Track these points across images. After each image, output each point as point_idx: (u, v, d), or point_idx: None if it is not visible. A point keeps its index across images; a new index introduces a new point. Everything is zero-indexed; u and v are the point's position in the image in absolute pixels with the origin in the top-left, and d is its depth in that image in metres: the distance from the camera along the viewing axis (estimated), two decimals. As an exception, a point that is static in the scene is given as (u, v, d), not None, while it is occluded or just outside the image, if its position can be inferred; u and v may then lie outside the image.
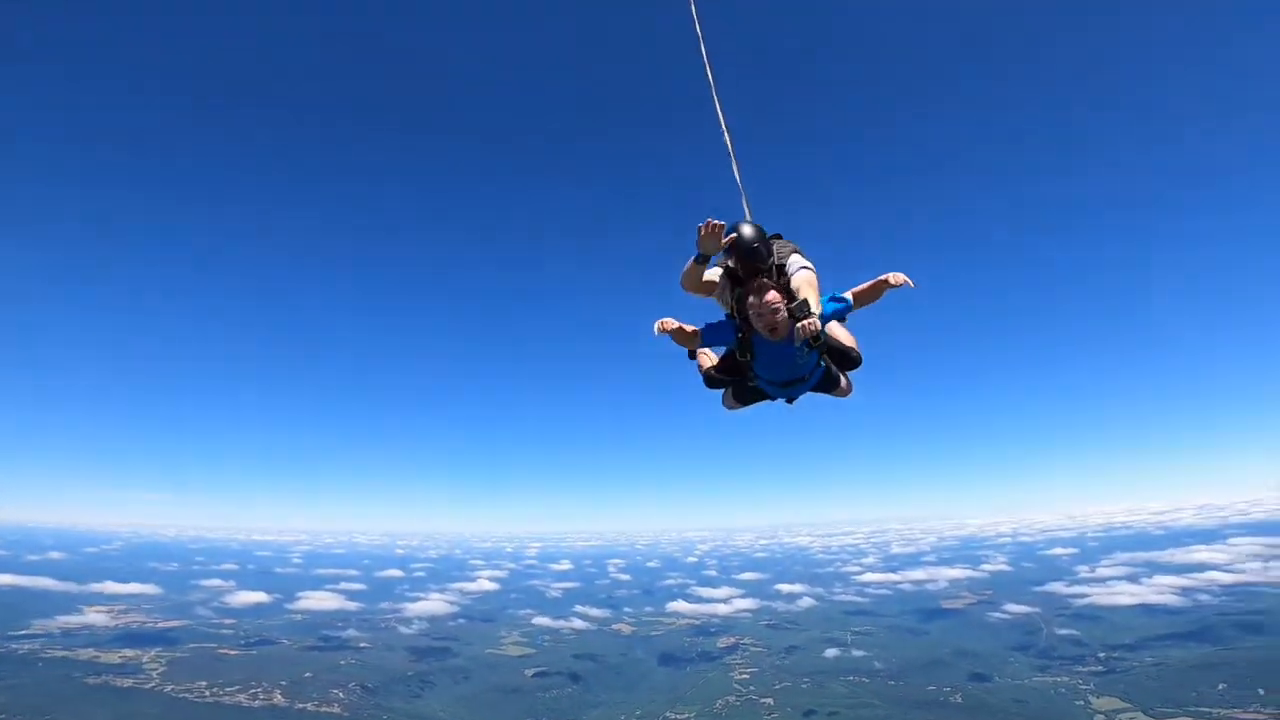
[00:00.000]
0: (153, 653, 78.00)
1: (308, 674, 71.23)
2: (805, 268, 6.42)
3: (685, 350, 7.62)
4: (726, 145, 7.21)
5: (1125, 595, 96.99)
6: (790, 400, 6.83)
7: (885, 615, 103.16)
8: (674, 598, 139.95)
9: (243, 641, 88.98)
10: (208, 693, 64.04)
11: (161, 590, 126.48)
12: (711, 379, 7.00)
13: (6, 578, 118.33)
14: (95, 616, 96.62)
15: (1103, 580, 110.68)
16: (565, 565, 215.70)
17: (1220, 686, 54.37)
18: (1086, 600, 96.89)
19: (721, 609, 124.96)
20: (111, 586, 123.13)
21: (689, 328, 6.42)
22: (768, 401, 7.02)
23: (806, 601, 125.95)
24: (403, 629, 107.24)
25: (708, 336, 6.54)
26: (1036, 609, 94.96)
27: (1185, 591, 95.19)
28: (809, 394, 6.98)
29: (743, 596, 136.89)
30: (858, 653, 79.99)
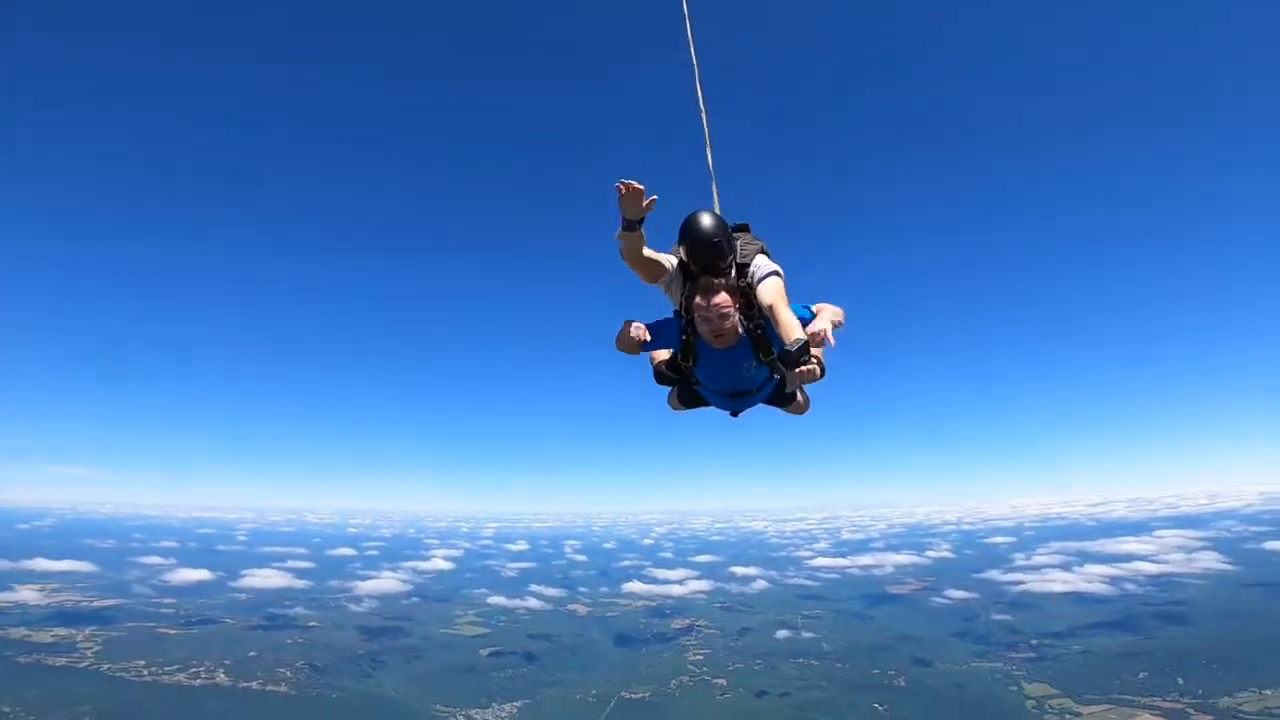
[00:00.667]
0: (87, 631, 75.29)
1: (252, 653, 69.63)
2: (774, 273, 5.60)
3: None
4: (703, 124, 6.47)
5: (1058, 583, 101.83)
6: (734, 414, 6.21)
7: (834, 599, 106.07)
8: (630, 579, 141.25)
9: (183, 620, 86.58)
10: (146, 672, 61.98)
11: (97, 568, 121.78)
12: (660, 375, 6.18)
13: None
14: (27, 594, 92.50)
15: (1037, 568, 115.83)
16: (521, 546, 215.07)
17: (1142, 675, 57.44)
18: (1022, 588, 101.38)
19: (676, 590, 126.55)
20: (44, 564, 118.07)
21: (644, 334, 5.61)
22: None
23: (760, 584, 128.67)
24: (353, 607, 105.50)
25: (654, 336, 5.74)
26: (976, 595, 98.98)
27: (1113, 580, 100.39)
28: (761, 407, 6.30)
29: (698, 578, 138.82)
30: (808, 635, 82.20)
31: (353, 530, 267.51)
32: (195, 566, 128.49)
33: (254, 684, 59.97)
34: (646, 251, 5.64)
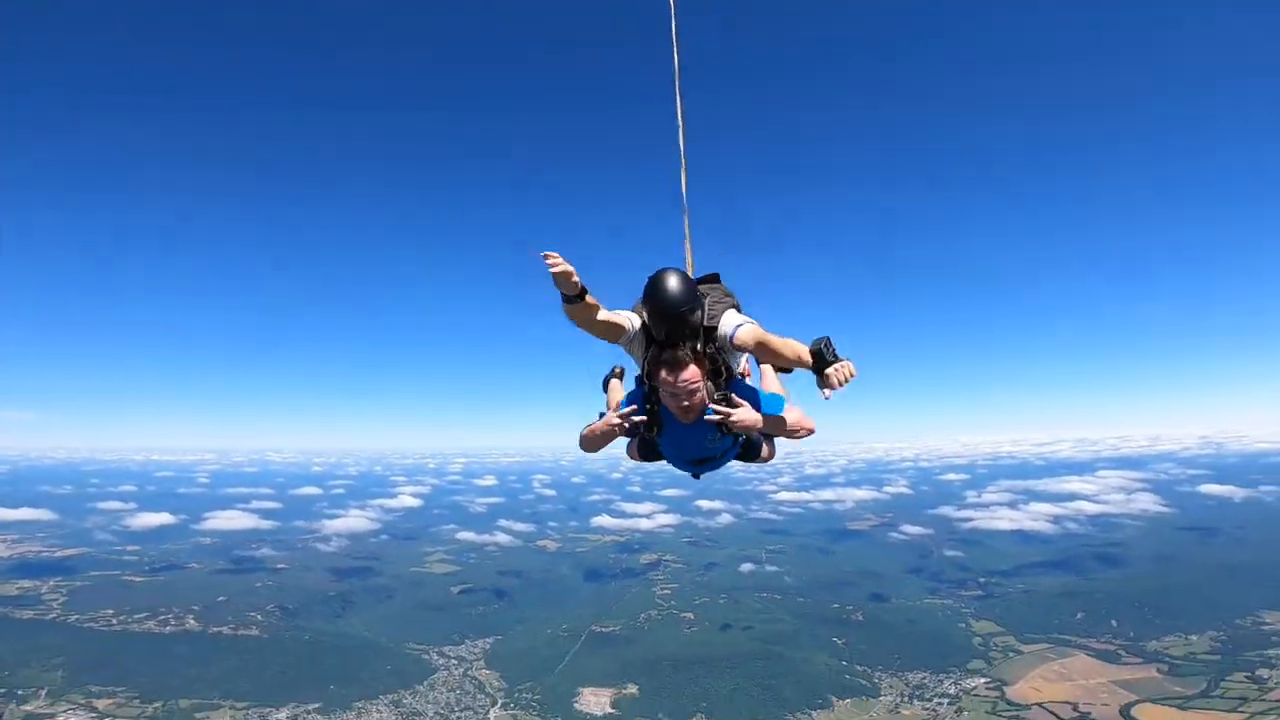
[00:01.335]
0: (51, 582, 74.24)
1: (221, 598, 69.46)
2: (740, 325, 5.05)
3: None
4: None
5: (1005, 520, 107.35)
6: (696, 476, 5.90)
7: (797, 534, 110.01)
8: (599, 513, 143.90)
9: (148, 567, 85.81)
10: (115, 621, 61.44)
11: (56, 515, 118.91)
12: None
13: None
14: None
15: (987, 505, 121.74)
16: (490, 481, 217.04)
17: (1079, 616, 61.01)
18: (972, 524, 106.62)
19: (645, 524, 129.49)
20: (1, 513, 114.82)
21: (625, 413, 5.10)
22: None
23: (725, 518, 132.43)
24: (322, 547, 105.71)
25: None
26: (930, 531, 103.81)
27: (1056, 519, 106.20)
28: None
29: (665, 512, 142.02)
30: (771, 569, 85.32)
31: (317, 469, 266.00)
32: (156, 510, 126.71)
33: (225, 629, 59.95)
34: (602, 315, 4.94)
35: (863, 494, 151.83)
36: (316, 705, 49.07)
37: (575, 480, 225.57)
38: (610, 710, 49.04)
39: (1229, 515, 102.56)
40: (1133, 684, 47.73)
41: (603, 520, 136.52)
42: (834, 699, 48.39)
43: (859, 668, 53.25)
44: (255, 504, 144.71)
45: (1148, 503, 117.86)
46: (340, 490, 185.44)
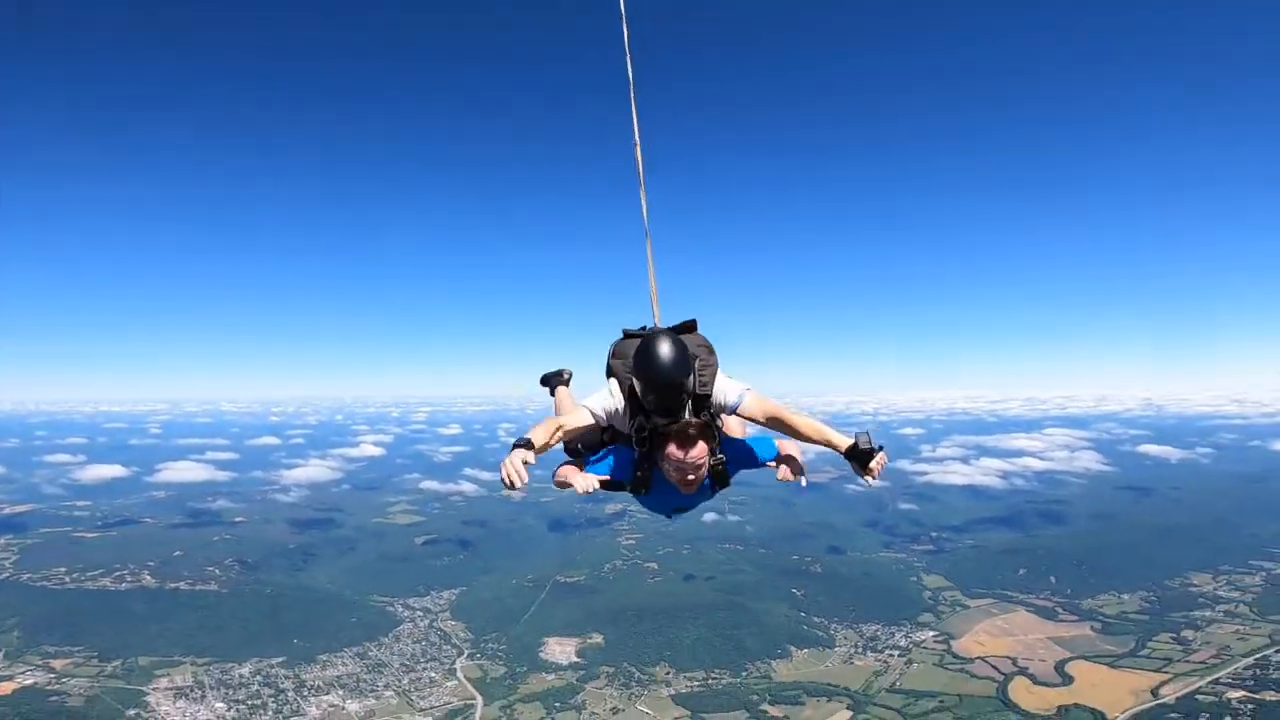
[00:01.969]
0: (2, 541, 72.41)
1: (178, 552, 68.34)
2: (745, 393, 4.69)
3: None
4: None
5: (957, 475, 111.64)
6: (669, 517, 5.71)
7: (760, 485, 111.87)
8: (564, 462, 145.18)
9: (100, 522, 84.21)
10: (68, 579, 60.10)
11: (2, 469, 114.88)
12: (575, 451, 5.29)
13: None
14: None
15: (941, 460, 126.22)
16: (454, 430, 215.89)
17: (1021, 572, 64.12)
18: (926, 479, 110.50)
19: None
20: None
21: (593, 480, 4.64)
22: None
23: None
24: (281, 498, 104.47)
25: (597, 470, 4.83)
26: (886, 483, 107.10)
27: (1005, 475, 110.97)
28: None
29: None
30: (733, 518, 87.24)
31: (275, 419, 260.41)
32: (107, 462, 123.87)
33: (183, 584, 58.99)
34: (567, 429, 4.64)
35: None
36: (280, 659, 49.10)
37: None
38: (575, 659, 50.19)
39: (1165, 475, 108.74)
40: (1068, 641, 50.56)
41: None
42: (793, 649, 50.32)
43: (816, 619, 55.33)
44: (210, 455, 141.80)
45: (1090, 461, 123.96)
46: (299, 440, 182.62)
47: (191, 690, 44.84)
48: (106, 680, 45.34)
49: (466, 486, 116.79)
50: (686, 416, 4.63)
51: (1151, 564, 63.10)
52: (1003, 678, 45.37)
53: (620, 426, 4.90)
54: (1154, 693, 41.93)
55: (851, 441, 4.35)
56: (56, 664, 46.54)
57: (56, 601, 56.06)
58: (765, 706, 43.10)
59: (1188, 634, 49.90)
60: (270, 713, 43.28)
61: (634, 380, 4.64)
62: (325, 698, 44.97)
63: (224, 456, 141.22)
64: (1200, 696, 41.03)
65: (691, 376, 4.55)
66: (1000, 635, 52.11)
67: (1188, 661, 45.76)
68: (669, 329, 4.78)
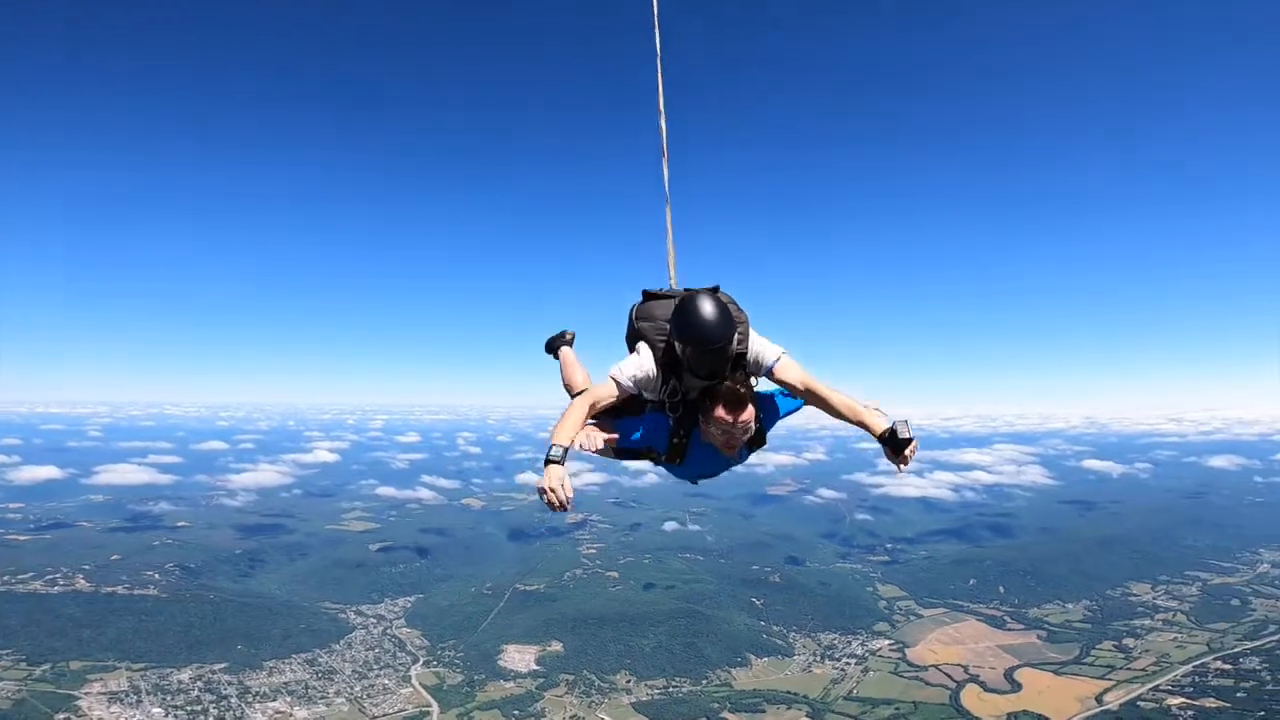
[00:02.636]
0: None
1: (115, 556, 65.16)
2: (782, 356, 4.63)
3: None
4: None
5: (911, 488, 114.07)
6: (694, 482, 5.53)
7: (719, 497, 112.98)
8: (524, 470, 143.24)
9: (34, 525, 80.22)
10: (-3, 583, 56.80)
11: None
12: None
13: None
14: None
15: (895, 473, 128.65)
16: (413, 437, 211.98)
17: (971, 582, 65.87)
18: (882, 490, 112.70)
19: (571, 482, 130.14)
20: None
21: (599, 437, 4.53)
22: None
23: (651, 478, 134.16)
24: (228, 502, 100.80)
25: (625, 436, 4.70)
26: (843, 496, 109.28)
27: (956, 488, 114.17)
28: None
29: (591, 470, 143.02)
30: (694, 528, 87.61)
31: (223, 423, 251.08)
32: (42, 464, 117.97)
33: (120, 589, 56.01)
34: (601, 406, 4.50)
35: (782, 459, 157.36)
36: (223, 665, 47.19)
37: (501, 439, 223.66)
38: (535, 667, 49.49)
39: (1106, 490, 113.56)
40: (1016, 649, 52.08)
41: (528, 478, 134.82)
42: (753, 657, 50.61)
43: (775, 628, 55.83)
44: (152, 458, 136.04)
45: (1036, 475, 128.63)
46: (249, 445, 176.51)
47: (126, 695, 42.71)
48: (35, 684, 42.92)
49: (424, 494, 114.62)
50: (727, 374, 4.44)
51: (1094, 575, 65.42)
52: (955, 685, 46.39)
53: (652, 394, 4.64)
54: (1098, 699, 43.26)
55: (888, 427, 4.21)
56: (-20, 667, 43.93)
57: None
58: (726, 714, 43.16)
59: (1129, 642, 51.80)
60: (212, 719, 41.56)
61: (675, 342, 4.42)
62: (271, 704, 43.33)
63: (167, 460, 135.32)
64: (1142, 703, 42.50)
65: (734, 335, 4.37)
66: (952, 644, 53.36)
67: (1129, 669, 47.38)
68: (703, 289, 4.55)
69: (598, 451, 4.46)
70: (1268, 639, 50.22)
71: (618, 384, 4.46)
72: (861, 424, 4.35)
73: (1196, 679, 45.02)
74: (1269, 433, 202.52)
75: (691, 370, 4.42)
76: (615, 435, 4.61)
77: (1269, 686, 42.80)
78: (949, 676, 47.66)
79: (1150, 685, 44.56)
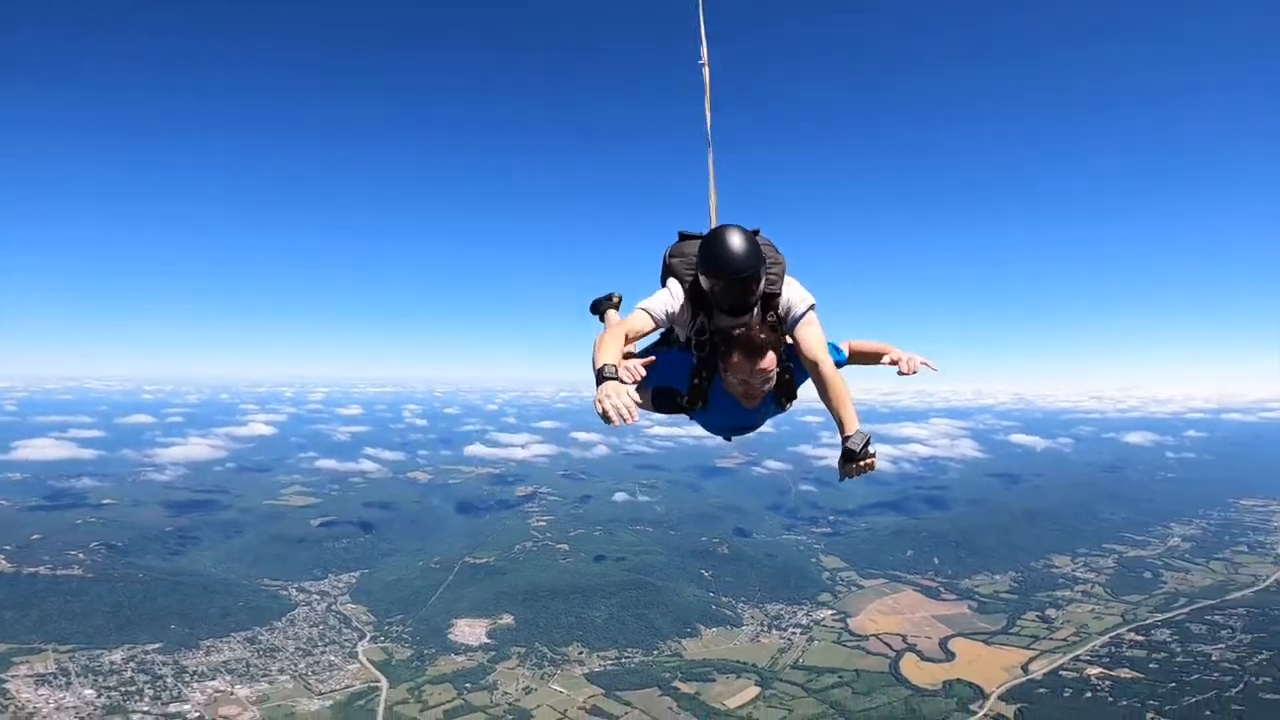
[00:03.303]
0: None
1: (36, 535, 61.74)
2: (811, 308, 4.49)
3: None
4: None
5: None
6: (728, 439, 5.36)
7: (669, 469, 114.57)
8: (472, 443, 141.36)
9: None
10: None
11: None
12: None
13: None
14: None
15: (837, 444, 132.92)
16: (355, 410, 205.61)
17: (909, 553, 68.30)
18: (825, 462, 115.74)
19: (519, 454, 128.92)
20: None
21: (638, 366, 4.14)
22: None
23: (601, 450, 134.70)
24: (157, 477, 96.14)
25: (650, 371, 4.35)
26: (789, 467, 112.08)
27: (895, 460, 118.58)
28: None
29: (541, 443, 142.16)
30: (643, 499, 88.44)
31: (149, 397, 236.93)
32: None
33: (42, 569, 52.90)
34: (629, 339, 4.32)
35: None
36: (156, 645, 45.42)
37: (448, 411, 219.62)
38: (486, 640, 49.38)
39: (1031, 463, 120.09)
40: (949, 619, 54.39)
41: (476, 449, 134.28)
42: (702, 628, 51.65)
43: (724, 599, 57.06)
44: (73, 432, 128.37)
45: (968, 448, 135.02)
46: (178, 418, 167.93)
47: (55, 677, 40.78)
48: (-44, 668, 40.45)
49: (368, 466, 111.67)
50: (755, 316, 4.33)
51: (1019, 547, 68.65)
52: (894, 654, 48.05)
53: (680, 329, 4.55)
54: (1024, 669, 45.14)
55: (857, 433, 3.97)
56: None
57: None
58: (677, 683, 43.98)
59: (1051, 613, 54.34)
60: (148, 699, 39.96)
61: (700, 275, 4.29)
62: (210, 684, 41.96)
63: (89, 434, 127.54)
64: (1064, 673, 44.36)
65: (762, 271, 4.23)
66: (891, 614, 55.42)
67: (1051, 639, 49.61)
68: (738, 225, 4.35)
69: (638, 399, 3.89)
70: (1177, 611, 53.05)
71: (648, 313, 4.35)
72: (840, 418, 4.15)
73: (1113, 650, 47.25)
74: (1181, 411, 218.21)
75: (716, 304, 4.32)
76: (654, 359, 4.35)
77: (1179, 659, 45.07)
78: (888, 646, 49.47)
79: (1071, 655, 46.58)
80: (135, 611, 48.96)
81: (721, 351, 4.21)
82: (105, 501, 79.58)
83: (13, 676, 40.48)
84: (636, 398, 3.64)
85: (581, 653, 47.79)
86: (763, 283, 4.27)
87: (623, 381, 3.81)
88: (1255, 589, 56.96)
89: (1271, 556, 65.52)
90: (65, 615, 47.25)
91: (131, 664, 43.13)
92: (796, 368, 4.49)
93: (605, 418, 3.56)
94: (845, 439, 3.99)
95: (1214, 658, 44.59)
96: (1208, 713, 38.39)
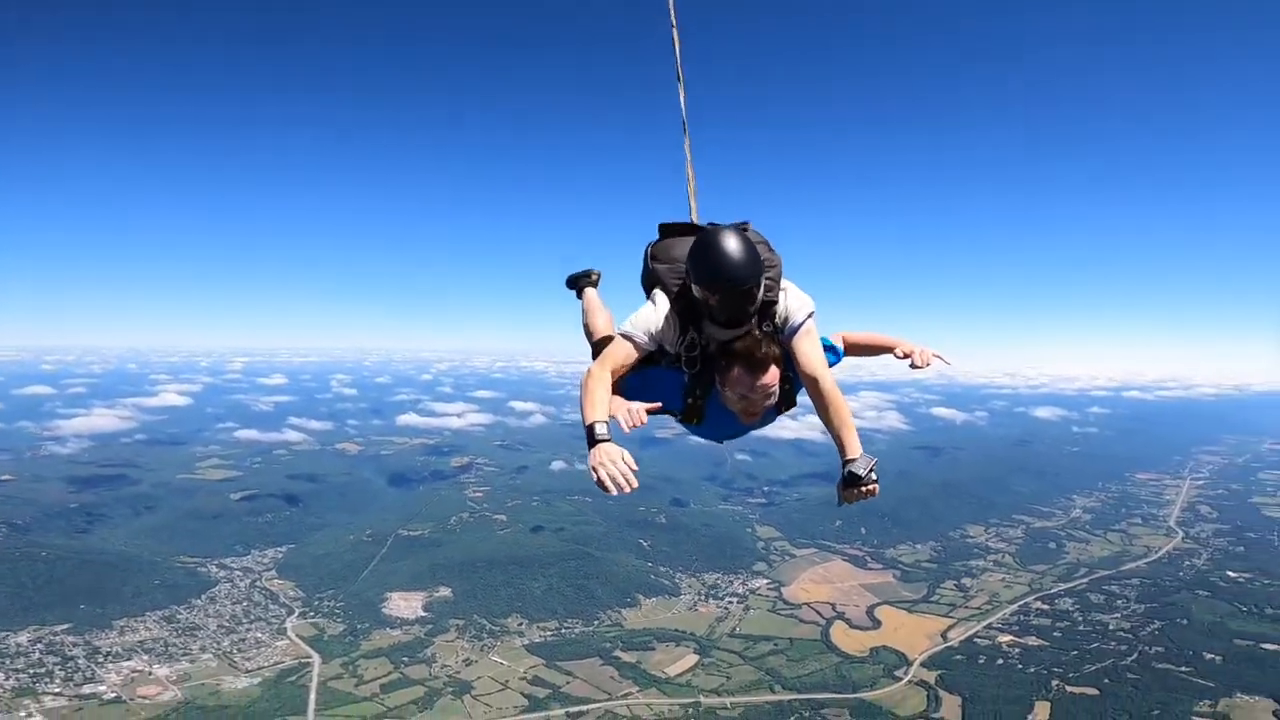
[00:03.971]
0: None
1: (-83, 515, 56.16)
2: (812, 315, 4.11)
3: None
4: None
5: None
6: (720, 442, 5.06)
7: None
8: (405, 412, 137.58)
9: None
10: None
11: None
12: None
13: None
14: None
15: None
16: (278, 380, 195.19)
17: (837, 524, 69.94)
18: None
19: (455, 423, 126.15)
20: None
21: (641, 411, 3.95)
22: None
23: (538, 419, 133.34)
24: (58, 450, 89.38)
25: (642, 397, 4.15)
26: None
27: (825, 430, 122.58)
28: None
29: (477, 412, 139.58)
30: (581, 468, 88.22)
31: (49, 368, 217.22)
32: None
33: (-72, 552, 48.39)
34: (618, 368, 3.92)
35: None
36: (65, 626, 42.85)
37: (380, 380, 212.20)
38: (423, 613, 48.72)
39: (951, 436, 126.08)
40: (876, 587, 56.71)
41: (409, 419, 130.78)
42: (641, 598, 52.31)
43: (662, 569, 57.89)
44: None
45: (894, 420, 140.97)
46: (80, 389, 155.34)
47: (-43, 661, 37.85)
48: None
49: (293, 437, 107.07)
50: (752, 326, 3.90)
51: (938, 517, 71.70)
52: (825, 622, 49.65)
53: (669, 346, 4.03)
54: (943, 636, 47.33)
55: (860, 457, 3.68)
56: None
57: None
58: (618, 653, 44.55)
59: (966, 581, 57.13)
60: (59, 680, 37.88)
61: (692, 284, 3.82)
62: (126, 664, 40.00)
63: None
64: (978, 640, 46.55)
65: (762, 279, 3.81)
66: (822, 582, 57.36)
67: (967, 607, 52.07)
68: (729, 225, 3.90)
69: (634, 465, 3.43)
70: (1078, 581, 56.29)
71: (633, 341, 3.89)
72: (841, 440, 3.83)
73: (1021, 618, 49.57)
74: (1086, 388, 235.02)
75: (711, 317, 3.87)
76: (658, 405, 3.99)
77: (1080, 627, 47.76)
78: (819, 614, 51.09)
79: (984, 623, 48.79)
80: (40, 592, 45.96)
81: (720, 366, 3.90)
82: (2, 478, 73.34)
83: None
84: (633, 464, 3.25)
85: (521, 624, 47.81)
86: (761, 290, 3.84)
87: (623, 428, 3.50)
88: (1148, 559, 60.67)
89: (1164, 529, 69.60)
90: (-41, 598, 43.72)
91: (39, 645, 40.72)
92: (794, 375, 4.15)
93: (602, 486, 3.22)
94: (848, 462, 3.69)
95: (1111, 627, 47.05)
96: (1106, 680, 40.31)
